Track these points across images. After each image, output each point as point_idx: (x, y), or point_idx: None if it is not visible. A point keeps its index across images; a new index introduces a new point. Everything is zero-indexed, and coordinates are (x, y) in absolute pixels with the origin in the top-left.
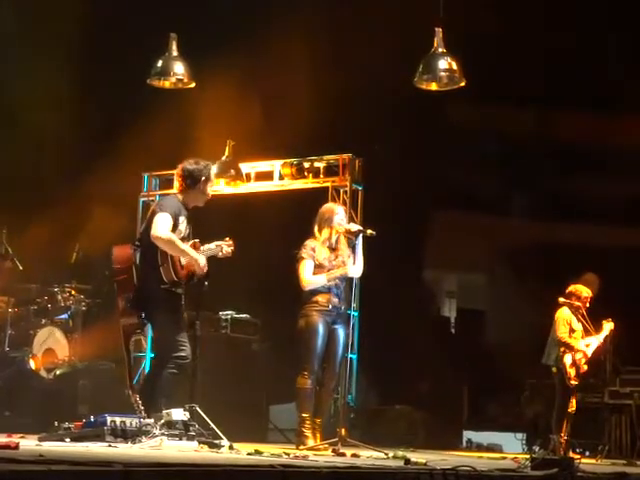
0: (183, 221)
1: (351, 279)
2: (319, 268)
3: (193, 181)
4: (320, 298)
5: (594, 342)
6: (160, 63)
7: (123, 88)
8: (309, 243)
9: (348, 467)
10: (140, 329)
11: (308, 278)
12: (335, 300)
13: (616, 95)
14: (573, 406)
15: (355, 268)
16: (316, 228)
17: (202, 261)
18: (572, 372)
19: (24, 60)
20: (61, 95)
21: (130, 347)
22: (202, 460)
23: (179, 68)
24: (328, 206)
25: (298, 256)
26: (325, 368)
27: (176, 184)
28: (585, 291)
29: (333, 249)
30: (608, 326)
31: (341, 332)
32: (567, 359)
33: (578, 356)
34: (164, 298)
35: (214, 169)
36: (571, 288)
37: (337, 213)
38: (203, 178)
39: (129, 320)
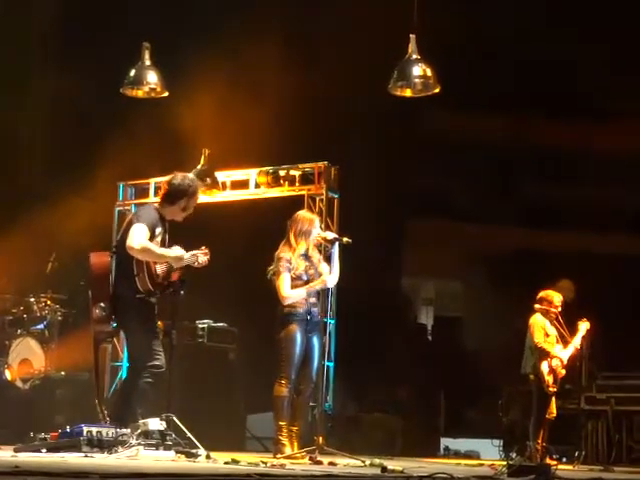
0: (160, 232)
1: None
2: (297, 280)
3: (174, 197)
4: (298, 308)
5: (569, 347)
6: (133, 72)
7: (97, 97)
8: (284, 255)
9: (325, 475)
10: (111, 337)
11: (288, 293)
12: (313, 310)
13: (592, 101)
14: (553, 412)
15: (332, 277)
16: (292, 238)
17: (184, 254)
18: (550, 379)
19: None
20: (33, 104)
21: (101, 356)
22: (179, 470)
23: (152, 77)
24: (307, 217)
25: (275, 270)
26: (301, 376)
27: (159, 194)
28: (557, 296)
29: (306, 257)
30: (584, 326)
31: (316, 340)
32: (544, 366)
33: (554, 362)
34: (138, 307)
35: (200, 190)
36: (542, 294)
37: (316, 227)
38: (185, 197)
39: (101, 328)
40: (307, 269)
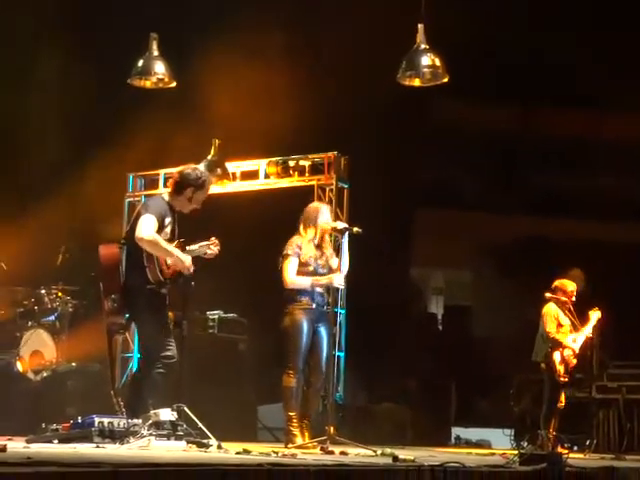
0: (169, 222)
1: None
2: (304, 266)
3: (181, 187)
4: (304, 297)
5: (580, 337)
6: (141, 63)
7: (105, 88)
8: (295, 240)
9: (336, 465)
10: (124, 329)
11: (292, 278)
12: (319, 299)
13: (600, 91)
14: (562, 402)
15: (339, 277)
16: (301, 227)
17: (188, 261)
18: (562, 369)
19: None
20: (43, 95)
21: (114, 347)
22: (191, 460)
23: (160, 68)
24: (314, 205)
25: (283, 253)
26: (311, 367)
27: (169, 184)
28: (571, 285)
29: (318, 247)
30: (595, 315)
31: (325, 331)
32: (556, 356)
33: (567, 353)
34: (149, 298)
35: (210, 181)
36: (557, 283)
37: (322, 213)
38: (192, 188)
39: (114, 320)
40: (316, 258)
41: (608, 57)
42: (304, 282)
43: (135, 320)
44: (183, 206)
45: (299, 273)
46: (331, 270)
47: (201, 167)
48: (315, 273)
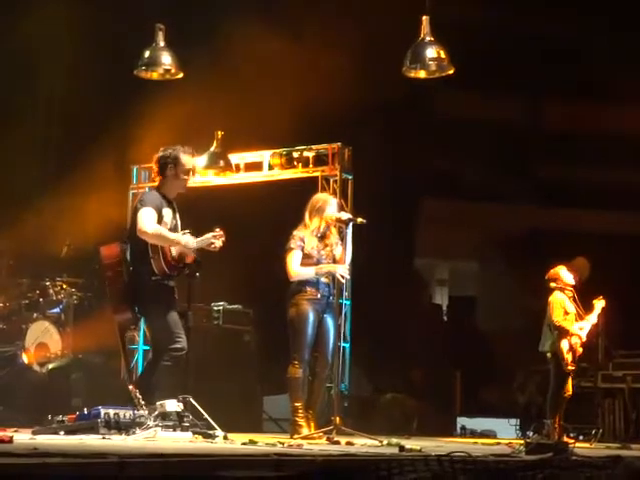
0: (167, 213)
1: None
2: (307, 258)
3: (161, 169)
4: (309, 288)
5: (587, 325)
6: (147, 54)
7: (111, 79)
8: (297, 233)
9: (342, 455)
10: (135, 324)
11: (296, 270)
12: (324, 289)
13: (603, 82)
14: (569, 391)
15: (342, 267)
16: (307, 216)
17: (191, 242)
18: (569, 357)
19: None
20: (49, 84)
21: (126, 342)
22: (197, 450)
23: (166, 59)
24: (322, 196)
25: (287, 247)
26: (317, 358)
27: (153, 176)
28: (562, 271)
29: (322, 237)
30: (600, 304)
31: (331, 321)
32: (564, 344)
33: (574, 340)
34: (156, 291)
35: (184, 153)
36: (551, 272)
37: (330, 205)
38: (170, 164)
39: (123, 316)
40: (320, 248)
41: (618, 45)
42: (308, 272)
43: (143, 313)
44: (175, 188)
45: (302, 265)
46: (335, 260)
47: (203, 159)
48: (319, 263)
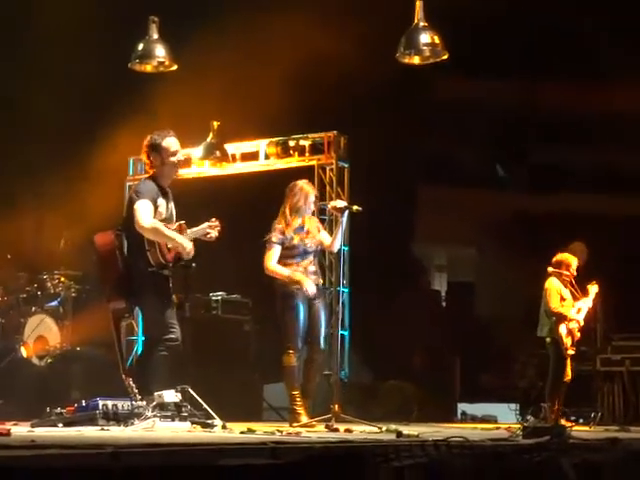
0: (162, 203)
1: (339, 255)
2: (293, 249)
3: (148, 155)
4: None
5: (584, 307)
6: (141, 47)
7: (105, 71)
8: (278, 227)
9: (340, 441)
10: (129, 313)
11: (272, 267)
12: (312, 276)
13: (598, 64)
14: (569, 375)
15: (312, 285)
16: (287, 211)
17: (188, 246)
18: (568, 342)
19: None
20: (44, 79)
21: (121, 331)
22: (195, 439)
23: (160, 51)
24: (303, 191)
25: (267, 238)
26: (310, 343)
27: (146, 167)
28: (574, 260)
29: (302, 228)
30: (593, 289)
31: (321, 307)
32: (562, 329)
33: (572, 325)
34: (152, 281)
35: (163, 137)
36: (559, 257)
37: (310, 203)
38: (154, 152)
39: (117, 305)
40: (303, 237)
41: (615, 27)
42: (282, 272)
43: (138, 303)
44: (166, 174)
45: (288, 257)
46: (322, 244)
47: (200, 150)
48: (306, 253)
